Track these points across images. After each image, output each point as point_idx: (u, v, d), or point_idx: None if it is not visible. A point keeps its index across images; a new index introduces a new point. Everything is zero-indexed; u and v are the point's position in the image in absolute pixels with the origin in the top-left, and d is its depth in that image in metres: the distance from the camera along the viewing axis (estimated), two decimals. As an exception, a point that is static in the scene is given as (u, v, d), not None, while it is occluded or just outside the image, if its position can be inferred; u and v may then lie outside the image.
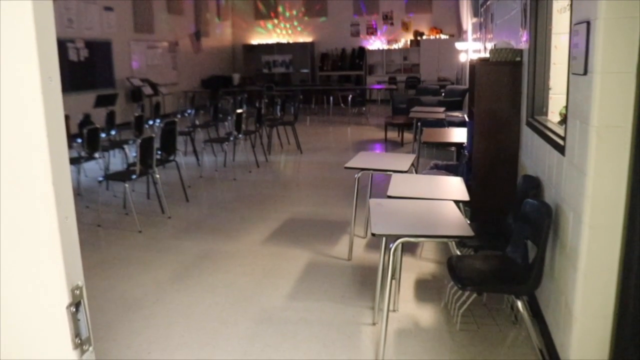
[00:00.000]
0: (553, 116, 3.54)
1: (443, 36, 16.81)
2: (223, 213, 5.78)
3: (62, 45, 10.98)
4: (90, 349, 1.01)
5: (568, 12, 2.81)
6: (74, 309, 0.97)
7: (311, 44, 18.07)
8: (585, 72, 2.32)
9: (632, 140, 2.19)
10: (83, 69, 11.74)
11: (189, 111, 10.60)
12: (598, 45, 2.17)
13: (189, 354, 3.00)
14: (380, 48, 17.57)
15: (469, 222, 3.04)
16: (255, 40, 18.71)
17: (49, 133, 0.90)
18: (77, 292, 0.98)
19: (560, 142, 2.79)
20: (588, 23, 2.28)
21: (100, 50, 12.32)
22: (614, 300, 2.35)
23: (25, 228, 0.93)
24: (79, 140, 6.69)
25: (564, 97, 2.77)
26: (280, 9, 18.23)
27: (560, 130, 2.94)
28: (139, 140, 5.45)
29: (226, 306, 3.56)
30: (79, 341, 0.98)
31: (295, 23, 18.19)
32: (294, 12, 18.13)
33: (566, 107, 2.72)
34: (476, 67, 4.23)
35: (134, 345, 3.11)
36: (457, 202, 3.32)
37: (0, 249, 0.94)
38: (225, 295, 3.72)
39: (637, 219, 2.16)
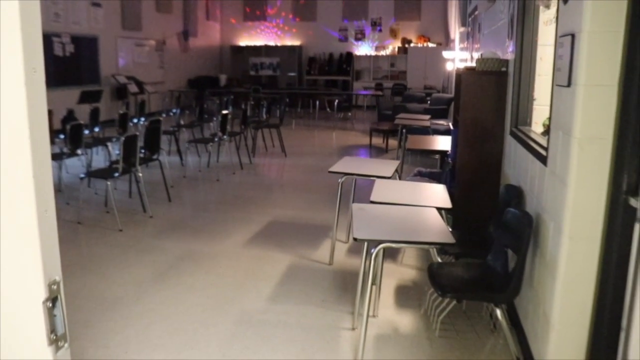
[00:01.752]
0: (536, 127, 3.58)
1: (431, 44, 16.94)
2: (205, 214, 5.74)
3: (48, 40, 10.85)
4: (66, 345, 0.99)
5: (554, 25, 2.85)
6: (51, 304, 0.95)
7: (299, 47, 18.09)
8: (569, 84, 2.35)
9: (612, 152, 2.22)
10: (68, 64, 11.61)
11: (174, 110, 10.52)
12: (582, 57, 2.21)
13: (167, 355, 2.97)
14: (368, 54, 17.65)
15: (450, 229, 3.05)
16: (243, 42, 18.67)
17: (30, 124, 0.89)
18: (54, 287, 0.96)
19: (543, 152, 2.82)
20: (573, 36, 2.32)
21: (86, 46, 12.20)
22: (590, 310, 2.38)
23: (4, 220, 0.92)
24: (62, 136, 6.60)
25: (548, 108, 2.81)
26: (268, 11, 18.22)
27: (543, 141, 2.97)
28: (122, 138, 5.40)
29: (206, 307, 3.53)
30: (55, 337, 0.96)
31: (286, 26, 18.20)
32: (283, 15, 18.13)
33: (549, 118, 2.75)
34: (462, 75, 4.27)
35: (111, 344, 3.07)
36: (439, 209, 3.34)
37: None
38: (205, 296, 3.70)
39: (615, 231, 2.19)
